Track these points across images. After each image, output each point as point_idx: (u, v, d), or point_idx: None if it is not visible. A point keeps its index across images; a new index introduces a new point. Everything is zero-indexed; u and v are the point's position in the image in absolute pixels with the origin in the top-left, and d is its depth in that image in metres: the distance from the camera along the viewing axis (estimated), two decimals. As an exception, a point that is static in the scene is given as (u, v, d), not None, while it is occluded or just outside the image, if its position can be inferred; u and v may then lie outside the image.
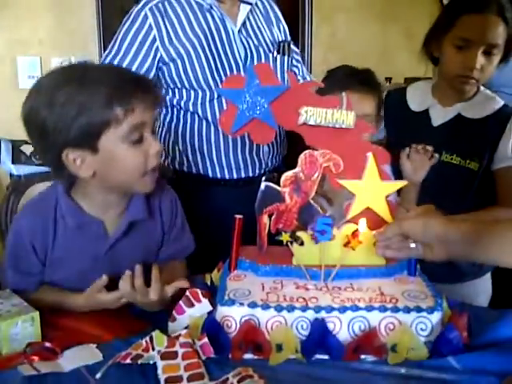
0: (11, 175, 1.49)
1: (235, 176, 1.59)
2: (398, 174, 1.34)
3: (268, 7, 1.66)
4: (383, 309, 0.92)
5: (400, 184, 1.10)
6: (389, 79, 3.16)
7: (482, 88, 1.47)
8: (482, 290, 1.56)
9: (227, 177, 1.58)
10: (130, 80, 1.05)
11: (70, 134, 1.00)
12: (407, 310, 0.92)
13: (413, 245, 0.97)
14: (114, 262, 1.13)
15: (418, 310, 0.93)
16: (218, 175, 1.58)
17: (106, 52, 1.50)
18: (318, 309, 0.92)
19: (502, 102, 1.46)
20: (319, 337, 0.91)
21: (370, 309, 0.92)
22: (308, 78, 1.75)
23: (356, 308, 0.92)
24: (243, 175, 1.59)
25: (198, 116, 1.54)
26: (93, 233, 1.13)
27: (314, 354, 0.93)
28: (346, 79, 1.30)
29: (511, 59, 1.41)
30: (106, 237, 1.14)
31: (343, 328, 0.93)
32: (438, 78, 1.51)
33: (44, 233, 1.11)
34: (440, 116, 1.47)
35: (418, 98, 1.52)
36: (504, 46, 1.36)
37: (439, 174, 1.40)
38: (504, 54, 1.38)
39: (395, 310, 0.92)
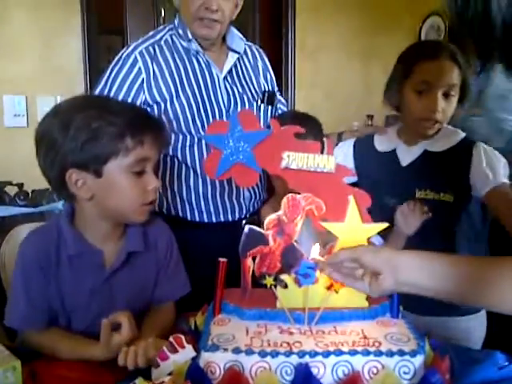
0: (-5, 216, 1.48)
1: (214, 220, 1.58)
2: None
3: (257, 56, 1.68)
4: (366, 353, 0.93)
5: (381, 226, 1.12)
6: (371, 117, 3.22)
7: (444, 124, 1.53)
8: (477, 327, 1.55)
9: (206, 220, 1.57)
10: (145, 117, 1.15)
11: (78, 156, 1.06)
12: (390, 354, 0.93)
13: (360, 271, 0.95)
14: (110, 295, 1.15)
15: (401, 353, 0.93)
16: (197, 219, 1.57)
17: (96, 95, 1.49)
18: (301, 353, 0.92)
19: (463, 134, 1.52)
20: (303, 382, 0.91)
21: (353, 353, 0.93)
22: None
23: (339, 352, 0.92)
24: (222, 219, 1.58)
25: (178, 160, 1.54)
26: (92, 262, 1.15)
27: (299, 399, 0.92)
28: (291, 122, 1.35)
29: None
30: (104, 267, 1.17)
31: (327, 372, 0.92)
32: (401, 124, 1.58)
33: (47, 261, 1.13)
34: (407, 155, 1.52)
35: (384, 140, 1.58)
36: (460, 87, 1.44)
37: None
38: (460, 95, 1.46)
39: (378, 353, 0.93)
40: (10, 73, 2.58)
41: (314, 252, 1.02)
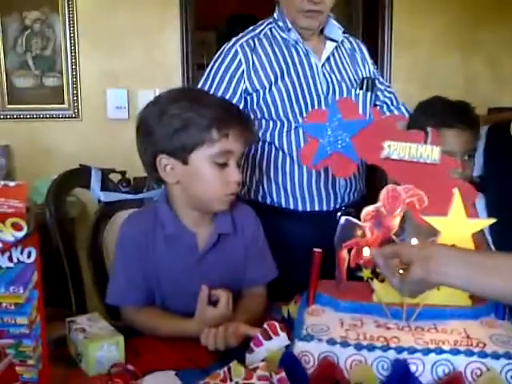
0: (99, 201, 1.56)
1: (309, 208, 1.58)
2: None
3: (355, 47, 1.69)
4: (470, 353, 0.88)
5: (487, 222, 1.06)
6: (471, 110, 3.06)
7: None
8: None
9: (301, 209, 1.58)
10: (233, 111, 1.19)
11: (168, 143, 1.14)
12: (496, 356, 0.88)
13: (401, 271, 0.91)
14: (204, 275, 1.20)
15: (508, 356, 0.87)
16: (292, 206, 1.58)
17: (199, 86, 1.57)
18: (399, 349, 0.89)
19: None
20: (401, 378, 0.88)
21: (455, 352, 0.89)
22: (402, 108, 1.74)
23: (440, 351, 0.89)
24: (317, 208, 1.58)
25: (275, 146, 1.57)
26: (186, 243, 1.21)
27: (395, 395, 0.89)
28: (443, 114, 1.26)
29: None
30: (197, 249, 1.22)
31: (426, 370, 0.89)
32: None
33: (145, 240, 1.20)
34: None
35: None
36: None
37: None
38: None
39: (483, 355, 0.88)
40: (113, 67, 2.73)
41: None
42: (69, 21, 2.65)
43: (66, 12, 2.64)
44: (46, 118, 2.72)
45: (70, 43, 2.67)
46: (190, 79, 2.77)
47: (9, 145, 2.70)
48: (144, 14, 2.72)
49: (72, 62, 2.68)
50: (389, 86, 1.77)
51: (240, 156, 1.20)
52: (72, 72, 2.69)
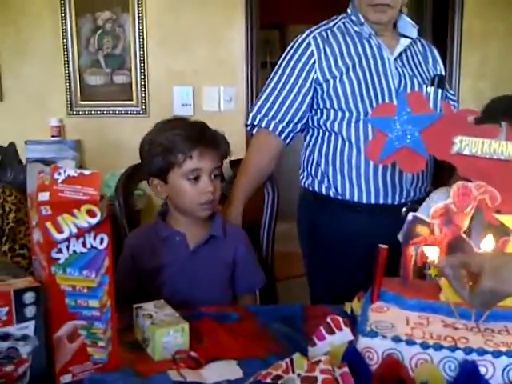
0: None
1: (373, 201, 1.57)
2: None
3: (427, 48, 1.70)
4: (545, 358, 0.84)
5: None
6: (546, 109, 2.92)
7: None
8: None
9: (365, 201, 1.57)
10: (196, 135, 1.34)
11: (151, 167, 1.36)
12: None
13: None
14: (195, 271, 1.36)
15: None
16: (356, 198, 1.58)
17: (270, 77, 1.62)
18: (468, 350, 0.86)
19: None
20: (470, 380, 0.85)
21: (528, 357, 0.85)
22: None
23: (512, 354, 0.85)
24: (381, 201, 1.57)
25: (342, 137, 1.57)
26: (176, 242, 1.39)
27: (463, 397, 0.87)
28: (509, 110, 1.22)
29: None
30: (188, 246, 1.39)
31: (496, 374, 0.85)
32: None
33: (144, 247, 1.40)
34: None
35: None
36: None
37: None
38: None
39: (559, 360, 0.84)
40: (180, 65, 2.80)
41: (487, 245, 0.95)
42: (138, 20, 2.75)
43: (136, 12, 2.74)
44: (116, 114, 2.83)
45: (139, 42, 2.76)
46: (254, 77, 2.80)
47: (80, 139, 2.83)
48: (209, 13, 2.78)
49: (140, 60, 2.78)
50: (453, 95, 1.77)
51: (211, 170, 1.35)
52: (140, 70, 2.78)
